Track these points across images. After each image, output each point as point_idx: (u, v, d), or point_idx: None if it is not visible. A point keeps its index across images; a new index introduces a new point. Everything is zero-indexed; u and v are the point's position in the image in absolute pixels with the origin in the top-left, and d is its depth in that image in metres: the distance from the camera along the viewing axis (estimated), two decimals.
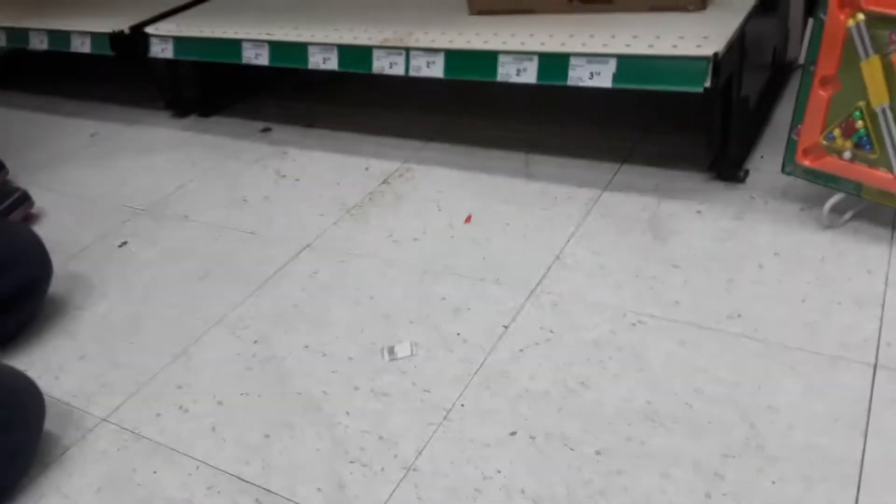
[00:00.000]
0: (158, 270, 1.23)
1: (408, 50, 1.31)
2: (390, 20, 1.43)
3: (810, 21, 1.01)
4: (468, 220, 1.23)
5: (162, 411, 0.94)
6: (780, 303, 0.95)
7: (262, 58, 1.50)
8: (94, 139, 1.79)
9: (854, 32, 0.97)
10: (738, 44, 1.14)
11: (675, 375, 0.87)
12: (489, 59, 1.23)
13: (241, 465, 0.84)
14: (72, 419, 0.94)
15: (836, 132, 1.03)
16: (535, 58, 1.19)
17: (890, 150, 0.98)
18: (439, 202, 1.29)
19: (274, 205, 1.37)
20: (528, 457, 0.80)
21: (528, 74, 1.21)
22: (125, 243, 1.32)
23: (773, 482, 0.73)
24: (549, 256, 1.11)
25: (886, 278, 0.97)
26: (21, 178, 1.58)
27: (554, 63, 1.18)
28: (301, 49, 1.43)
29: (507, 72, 1.23)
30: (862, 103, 0.99)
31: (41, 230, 1.38)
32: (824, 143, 1.05)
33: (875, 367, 0.84)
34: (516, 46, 1.21)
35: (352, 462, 0.82)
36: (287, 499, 0.79)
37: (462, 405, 0.88)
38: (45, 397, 0.89)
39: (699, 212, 1.16)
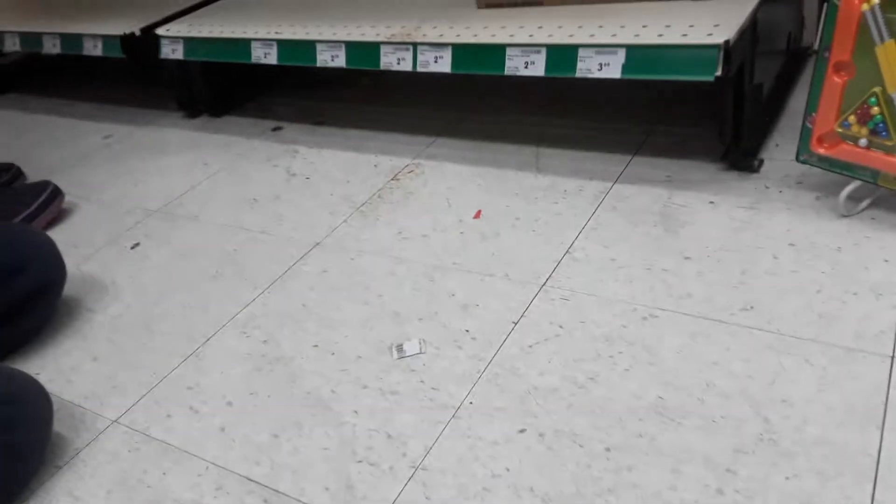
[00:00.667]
0: (170, 271, 1.23)
1: (415, 45, 1.30)
2: (398, 15, 1.42)
3: (825, 6, 0.99)
4: (478, 215, 1.22)
5: (172, 412, 0.94)
6: (795, 294, 0.94)
7: (270, 57, 1.50)
8: (108, 141, 1.80)
9: (869, 17, 0.94)
10: (751, 31, 1.12)
11: (686, 370, 0.86)
12: (497, 52, 1.22)
13: (249, 466, 0.84)
14: (84, 421, 0.95)
15: (852, 119, 1.01)
16: (543, 50, 1.18)
17: None
18: (449, 198, 1.29)
19: (284, 204, 1.37)
20: (537, 454, 0.79)
21: (537, 67, 1.20)
22: (137, 245, 1.33)
23: (787, 478, 0.72)
24: (559, 251, 1.09)
25: None
26: None
27: (562, 55, 1.17)
28: (309, 47, 1.43)
29: (515, 65, 1.21)
30: (877, 89, 0.97)
31: (54, 233, 1.40)
32: (839, 130, 1.02)
33: (892, 358, 0.82)
34: (524, 39, 1.20)
35: (360, 461, 0.82)
36: (295, 499, 0.79)
37: (471, 403, 0.87)
38: (58, 400, 0.89)
39: (712, 202, 1.14)
